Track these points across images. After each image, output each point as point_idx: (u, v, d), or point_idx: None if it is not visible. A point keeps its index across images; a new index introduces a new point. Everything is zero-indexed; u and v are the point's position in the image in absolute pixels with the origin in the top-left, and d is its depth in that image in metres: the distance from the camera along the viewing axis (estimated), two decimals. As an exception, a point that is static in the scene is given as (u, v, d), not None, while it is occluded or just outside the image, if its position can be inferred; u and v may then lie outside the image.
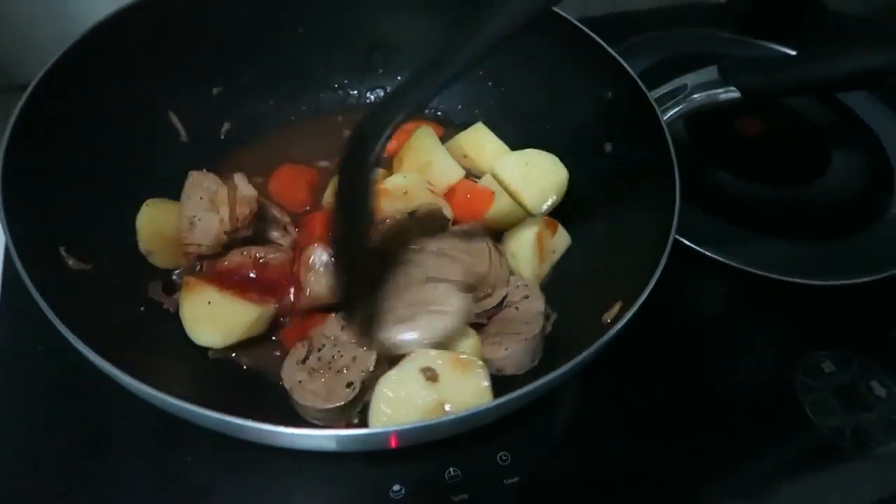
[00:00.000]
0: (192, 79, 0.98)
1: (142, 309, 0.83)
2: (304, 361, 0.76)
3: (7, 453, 0.76)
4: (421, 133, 0.99)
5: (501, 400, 0.63)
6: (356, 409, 0.75)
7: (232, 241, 0.84)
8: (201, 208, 0.83)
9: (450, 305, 0.78)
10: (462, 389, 0.71)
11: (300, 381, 0.74)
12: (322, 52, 1.08)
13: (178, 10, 0.93)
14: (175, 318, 0.82)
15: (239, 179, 0.86)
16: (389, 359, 0.76)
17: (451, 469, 0.79)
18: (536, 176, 0.96)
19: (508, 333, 0.82)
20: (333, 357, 0.76)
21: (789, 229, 1.06)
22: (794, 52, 1.18)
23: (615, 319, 0.76)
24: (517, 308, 0.85)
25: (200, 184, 0.85)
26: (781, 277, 0.97)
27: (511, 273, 0.90)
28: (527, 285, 0.88)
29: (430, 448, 0.72)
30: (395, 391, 0.72)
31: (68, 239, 0.77)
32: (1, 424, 0.78)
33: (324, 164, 1.03)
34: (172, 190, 0.88)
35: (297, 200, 0.98)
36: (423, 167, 0.96)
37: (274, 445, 0.66)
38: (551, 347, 0.84)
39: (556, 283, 0.93)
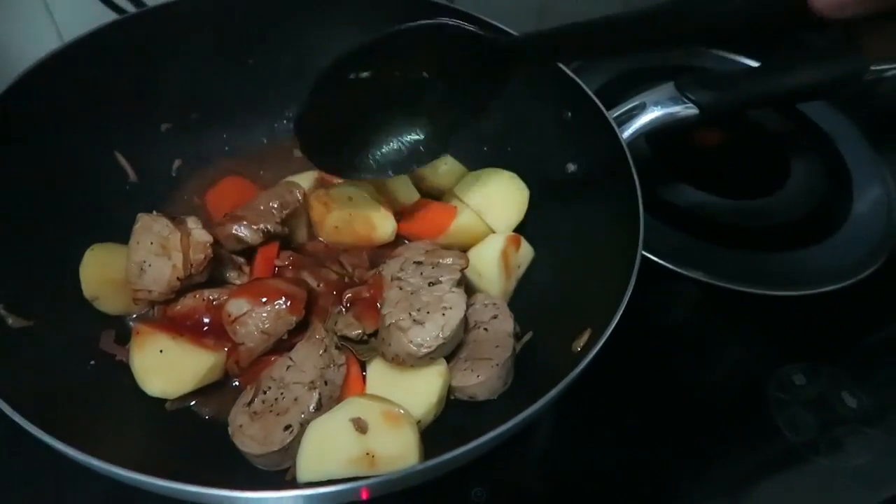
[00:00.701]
0: (137, 117, 0.95)
1: (92, 363, 0.79)
2: (249, 404, 0.74)
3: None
4: None
5: (474, 444, 0.61)
6: (292, 457, 0.72)
7: (185, 287, 0.81)
8: (151, 253, 0.79)
9: (450, 302, 0.78)
10: (390, 442, 0.70)
11: (241, 426, 0.72)
12: (273, 84, 1.05)
13: (120, 47, 0.90)
14: (129, 370, 0.78)
15: (192, 223, 0.83)
16: (334, 398, 0.75)
17: (424, 509, 0.76)
18: (498, 195, 0.95)
19: (480, 359, 0.80)
20: (276, 399, 0.74)
21: (753, 240, 1.06)
22: (752, 63, 1.19)
23: (585, 348, 0.75)
24: (486, 329, 0.83)
25: (150, 228, 0.81)
26: (747, 289, 0.98)
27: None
28: (495, 304, 0.86)
29: (402, 492, 0.69)
30: (322, 439, 0.71)
31: (7, 294, 0.73)
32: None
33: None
34: (123, 234, 0.84)
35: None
36: (377, 190, 0.95)
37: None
38: (521, 370, 0.83)
39: (524, 304, 0.91)
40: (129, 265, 0.79)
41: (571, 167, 0.94)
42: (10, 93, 0.79)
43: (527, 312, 0.89)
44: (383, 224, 0.92)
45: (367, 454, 0.69)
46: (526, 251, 0.93)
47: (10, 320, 0.72)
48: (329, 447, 0.70)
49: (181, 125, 1.00)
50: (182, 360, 0.76)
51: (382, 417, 0.71)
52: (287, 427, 0.71)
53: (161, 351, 0.75)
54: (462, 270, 0.82)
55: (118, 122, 0.92)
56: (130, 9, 1.07)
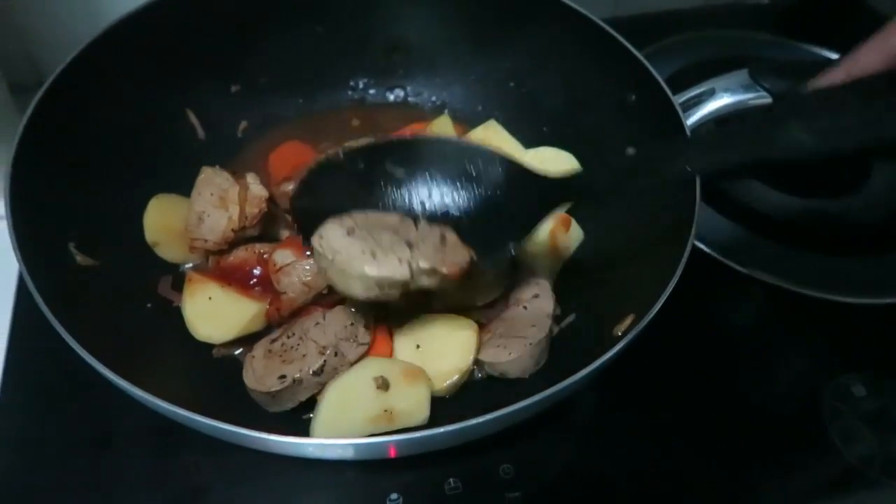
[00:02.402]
0: (210, 77, 0.99)
1: (149, 306, 0.83)
2: (273, 341, 0.77)
3: (6, 451, 0.77)
4: (438, 123, 0.99)
5: (495, 414, 0.61)
6: (288, 404, 0.75)
7: (239, 239, 0.84)
8: (210, 205, 0.83)
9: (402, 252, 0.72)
10: (407, 398, 0.72)
11: (253, 356, 0.76)
12: (341, 52, 1.07)
13: (197, 8, 0.93)
14: (181, 315, 0.82)
15: (251, 179, 0.86)
16: (339, 371, 0.76)
17: (451, 480, 0.77)
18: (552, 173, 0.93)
19: (514, 337, 0.80)
20: (292, 347, 0.76)
21: (823, 243, 1.00)
22: (833, 55, 1.12)
23: (625, 333, 0.73)
24: (526, 307, 0.83)
25: (212, 180, 0.85)
26: (812, 294, 0.93)
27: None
28: (538, 283, 0.85)
29: (430, 458, 0.70)
30: (343, 396, 0.73)
31: (78, 235, 0.78)
32: (3, 422, 0.79)
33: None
34: (187, 188, 0.88)
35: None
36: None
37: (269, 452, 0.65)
38: (559, 352, 0.82)
39: (569, 286, 0.90)
40: (190, 214, 0.83)
41: (630, 150, 0.92)
42: (90, 49, 0.83)
43: (571, 294, 0.87)
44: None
45: (386, 411, 0.71)
46: (576, 233, 0.92)
47: (78, 258, 0.77)
48: (351, 405, 0.72)
49: (249, 88, 1.03)
50: (228, 307, 0.79)
51: (402, 375, 0.73)
52: (282, 376, 0.73)
53: (210, 298, 0.79)
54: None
55: (193, 80, 0.96)
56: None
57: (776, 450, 0.83)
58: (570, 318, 0.85)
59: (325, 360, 0.75)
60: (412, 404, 0.73)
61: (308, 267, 0.80)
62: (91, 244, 0.78)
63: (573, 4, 0.96)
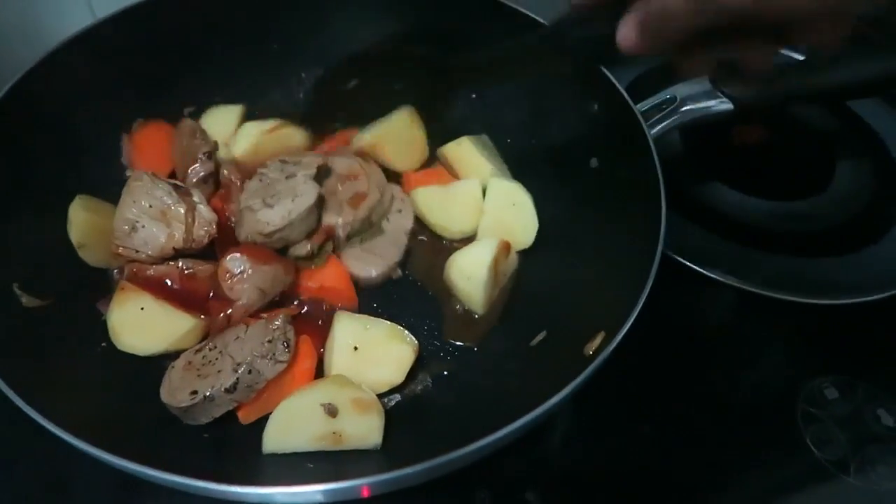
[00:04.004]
0: (154, 95, 0.96)
1: (103, 345, 0.79)
2: (195, 353, 0.76)
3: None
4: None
5: (475, 446, 0.60)
6: (202, 419, 0.73)
7: (174, 257, 0.82)
8: (147, 216, 0.81)
9: (302, 191, 0.85)
10: (357, 425, 0.73)
11: (173, 367, 0.75)
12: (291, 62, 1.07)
13: (147, 28, 0.92)
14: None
15: (197, 198, 0.84)
16: (254, 389, 0.74)
17: (426, 513, 0.75)
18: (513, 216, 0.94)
19: (375, 255, 0.90)
20: (210, 361, 0.74)
21: (790, 244, 1.00)
22: (795, 55, 1.13)
23: (596, 352, 0.72)
24: (388, 220, 0.92)
25: (150, 191, 0.82)
26: (782, 296, 0.92)
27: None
28: (403, 199, 0.94)
29: (402, 491, 0.68)
30: (291, 416, 0.73)
31: (22, 272, 0.74)
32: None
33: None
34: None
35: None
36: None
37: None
38: (533, 372, 0.80)
39: (537, 303, 0.89)
40: (118, 220, 0.81)
41: (595, 162, 0.91)
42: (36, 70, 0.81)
43: (539, 312, 0.86)
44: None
45: (335, 433, 0.71)
46: (513, 259, 0.91)
47: (24, 299, 0.73)
48: (297, 425, 0.72)
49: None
50: (160, 320, 0.78)
51: (352, 403, 0.73)
52: (193, 392, 0.71)
53: (142, 308, 0.77)
54: (318, 167, 0.88)
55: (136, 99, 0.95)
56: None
57: (751, 453, 0.83)
58: (542, 335, 0.84)
59: (237, 378, 0.72)
60: (363, 431, 0.72)
61: (264, 273, 0.79)
62: (36, 282, 0.75)
63: (532, 14, 0.95)
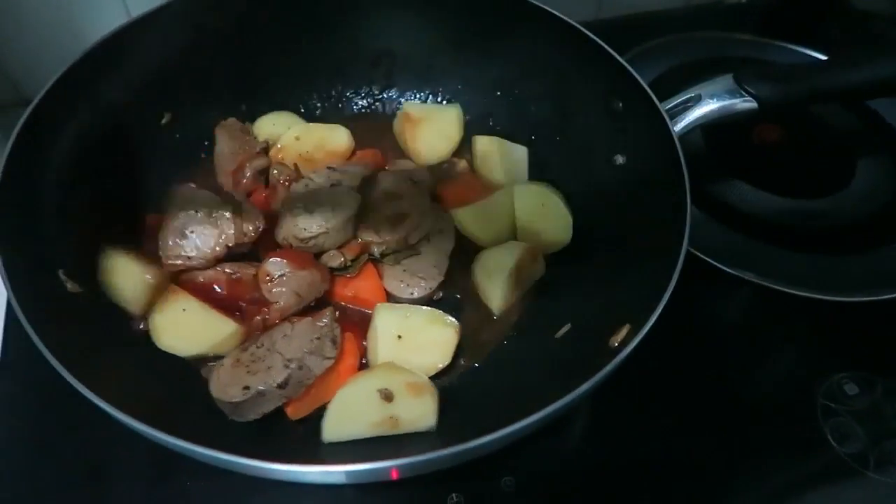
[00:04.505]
0: (192, 95, 0.98)
1: (141, 326, 0.82)
2: (243, 350, 0.78)
3: (2, 484, 0.76)
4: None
5: (499, 434, 0.61)
6: (250, 415, 0.75)
7: (227, 257, 0.84)
8: (195, 221, 0.83)
9: (343, 201, 0.87)
10: (412, 408, 0.75)
11: (223, 365, 0.77)
12: (327, 66, 1.07)
13: (178, 28, 0.93)
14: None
15: (240, 196, 0.86)
16: (303, 384, 0.76)
17: (453, 495, 0.77)
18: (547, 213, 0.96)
19: (416, 276, 0.88)
20: (259, 358, 0.76)
21: (810, 243, 1.01)
22: (817, 55, 1.13)
23: (622, 344, 0.73)
24: (429, 240, 0.91)
25: (193, 199, 0.85)
26: (801, 293, 0.93)
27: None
28: (444, 219, 0.93)
29: (431, 474, 0.70)
30: (348, 404, 0.75)
31: (67, 261, 0.77)
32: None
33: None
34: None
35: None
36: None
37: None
38: (557, 363, 0.82)
39: (563, 297, 0.90)
40: (166, 235, 0.82)
41: (620, 159, 0.92)
42: (75, 68, 0.83)
43: (565, 305, 0.88)
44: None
45: (391, 418, 0.73)
46: (541, 266, 0.92)
47: (69, 285, 0.75)
48: (356, 412, 0.74)
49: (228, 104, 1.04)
50: (201, 322, 0.80)
51: (406, 387, 0.75)
52: (245, 388, 0.73)
53: (184, 310, 0.80)
54: (363, 179, 0.91)
55: (175, 97, 0.96)
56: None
57: (772, 447, 0.84)
58: (566, 327, 0.86)
59: (289, 374, 0.74)
60: (418, 414, 0.74)
61: (302, 278, 0.81)
62: (80, 270, 0.77)
63: (557, 12, 0.96)
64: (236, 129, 0.96)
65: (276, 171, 0.92)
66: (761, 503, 0.81)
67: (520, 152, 1.04)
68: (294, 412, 0.78)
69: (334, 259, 0.87)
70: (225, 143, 0.94)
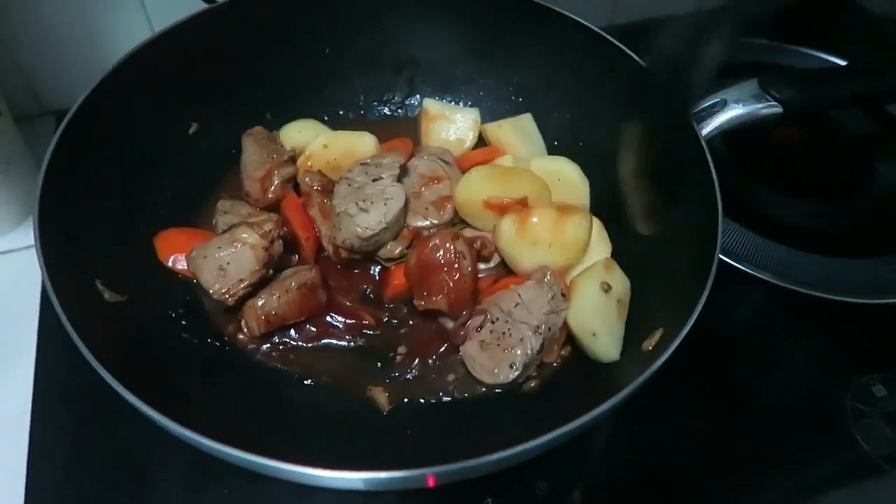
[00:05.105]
0: (218, 104, 0.98)
1: (184, 335, 0.82)
2: (479, 330, 0.82)
3: (44, 490, 0.76)
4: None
5: (537, 442, 0.62)
6: (519, 381, 0.81)
7: (270, 259, 0.83)
8: (224, 253, 0.82)
9: (390, 193, 0.88)
10: (624, 281, 0.85)
11: (472, 356, 0.82)
12: (350, 72, 1.08)
13: (204, 38, 0.94)
14: (212, 346, 0.83)
15: (247, 211, 0.91)
16: (554, 340, 0.83)
17: (488, 500, 0.77)
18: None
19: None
20: (504, 333, 0.81)
21: (833, 245, 1.02)
22: (833, 59, 1.14)
23: (657, 348, 0.74)
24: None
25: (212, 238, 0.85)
26: (827, 296, 0.94)
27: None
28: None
29: (466, 480, 0.70)
30: (585, 302, 0.82)
31: (104, 270, 0.77)
32: (37, 460, 0.78)
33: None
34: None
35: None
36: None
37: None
38: (590, 365, 0.83)
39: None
40: (207, 280, 0.81)
41: (644, 165, 0.93)
42: (108, 80, 0.84)
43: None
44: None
45: (619, 302, 0.82)
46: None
47: (106, 294, 0.76)
48: (591, 306, 0.82)
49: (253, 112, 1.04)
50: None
51: (603, 267, 0.85)
52: (512, 365, 0.80)
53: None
54: (401, 166, 0.92)
55: (202, 106, 0.97)
56: None
57: (803, 449, 0.85)
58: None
59: (544, 339, 0.80)
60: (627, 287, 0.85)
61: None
62: (117, 279, 0.78)
63: (576, 17, 0.97)
64: (263, 138, 0.96)
65: (307, 179, 0.92)
66: (792, 501, 0.81)
67: (526, 121, 1.06)
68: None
69: (393, 249, 0.89)
70: (252, 151, 0.95)
